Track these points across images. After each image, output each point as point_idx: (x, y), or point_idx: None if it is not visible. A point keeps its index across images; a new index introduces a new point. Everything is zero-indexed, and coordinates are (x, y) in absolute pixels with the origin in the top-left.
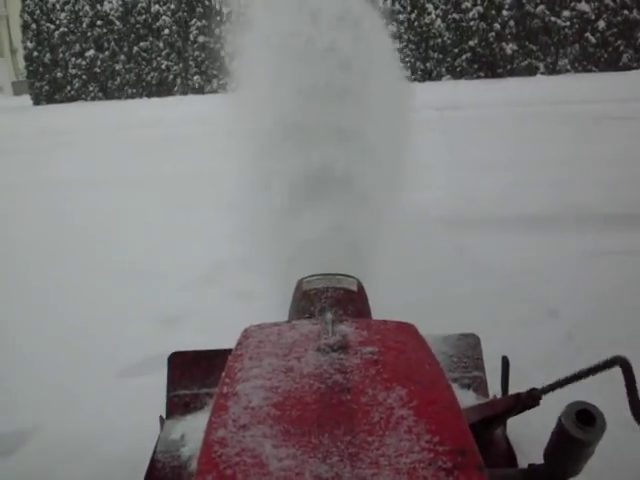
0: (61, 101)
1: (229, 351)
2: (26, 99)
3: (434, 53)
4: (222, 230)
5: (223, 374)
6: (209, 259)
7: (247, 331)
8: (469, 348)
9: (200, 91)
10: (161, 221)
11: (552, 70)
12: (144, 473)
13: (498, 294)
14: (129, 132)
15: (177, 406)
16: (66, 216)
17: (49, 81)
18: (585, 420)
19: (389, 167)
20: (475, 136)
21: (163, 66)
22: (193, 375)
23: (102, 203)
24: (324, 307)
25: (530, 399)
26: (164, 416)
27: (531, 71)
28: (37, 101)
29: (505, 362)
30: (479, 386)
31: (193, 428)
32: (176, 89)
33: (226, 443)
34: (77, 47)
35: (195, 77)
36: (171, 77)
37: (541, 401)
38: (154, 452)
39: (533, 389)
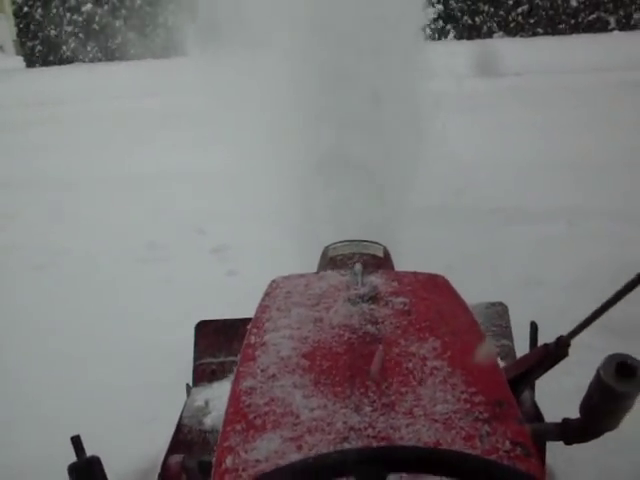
0: (56, 63)
1: None
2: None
3: (484, 5)
4: None
5: (250, 325)
6: None
7: (274, 282)
8: (497, 317)
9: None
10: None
11: (625, 25)
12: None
13: None
14: (124, 103)
15: (203, 374)
16: None
17: (42, 40)
18: (625, 372)
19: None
20: (565, 117)
21: (170, 23)
22: (220, 343)
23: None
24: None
25: (558, 348)
26: (191, 384)
27: (600, 26)
28: (30, 63)
29: (533, 327)
30: (508, 355)
31: (219, 396)
32: (185, 50)
33: (254, 392)
34: (72, 1)
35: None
36: (179, 36)
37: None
38: (180, 417)
39: (560, 337)
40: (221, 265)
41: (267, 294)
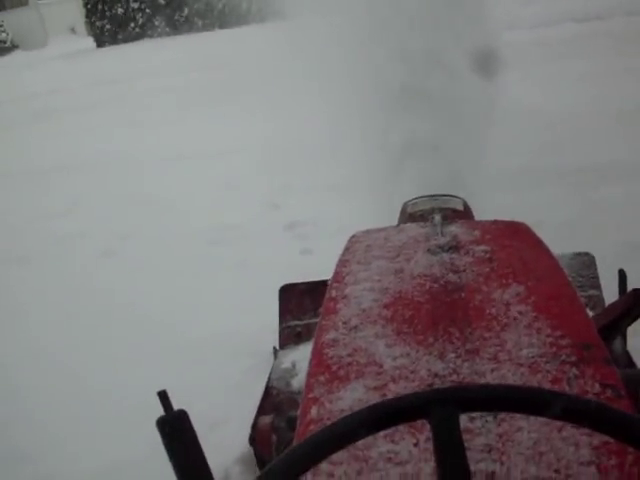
0: (125, 40)
1: None
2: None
3: None
4: None
5: (330, 279)
6: None
7: (354, 237)
8: (584, 267)
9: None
10: None
11: None
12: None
13: None
14: (190, 77)
15: (289, 337)
16: None
17: (110, 19)
18: None
19: None
20: None
21: None
22: (304, 306)
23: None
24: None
25: None
26: (277, 347)
27: None
28: (100, 42)
29: (622, 276)
30: (596, 305)
31: (305, 357)
32: (252, 17)
33: (337, 344)
34: None
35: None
36: (245, 3)
37: None
38: (268, 380)
39: None
40: (296, 243)
41: (347, 248)
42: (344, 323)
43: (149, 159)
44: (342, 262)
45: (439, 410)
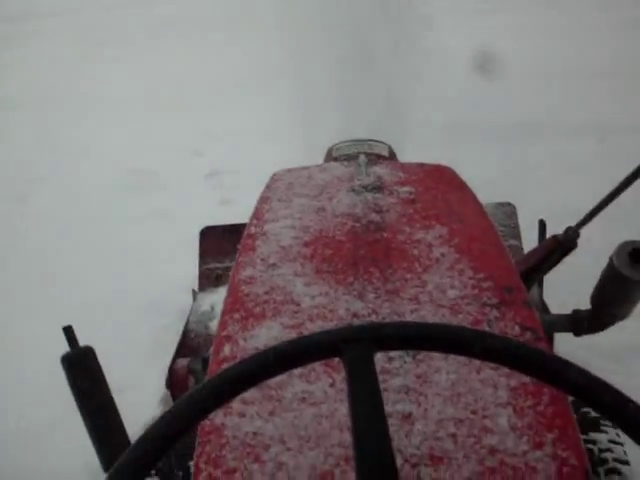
0: None
1: None
2: None
3: None
4: None
5: (250, 217)
6: None
7: (276, 175)
8: (505, 217)
9: None
10: None
11: None
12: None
13: None
14: (116, 13)
15: (209, 279)
16: None
17: None
18: (638, 259)
19: None
20: (594, 19)
21: None
22: (225, 248)
23: None
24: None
25: (567, 239)
26: (196, 289)
27: None
28: None
29: (542, 225)
30: (516, 254)
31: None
32: None
33: (254, 282)
34: None
35: None
36: None
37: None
38: (187, 322)
39: (568, 228)
40: (215, 193)
41: (268, 186)
42: (262, 260)
43: (63, 100)
44: (262, 199)
45: (352, 348)
